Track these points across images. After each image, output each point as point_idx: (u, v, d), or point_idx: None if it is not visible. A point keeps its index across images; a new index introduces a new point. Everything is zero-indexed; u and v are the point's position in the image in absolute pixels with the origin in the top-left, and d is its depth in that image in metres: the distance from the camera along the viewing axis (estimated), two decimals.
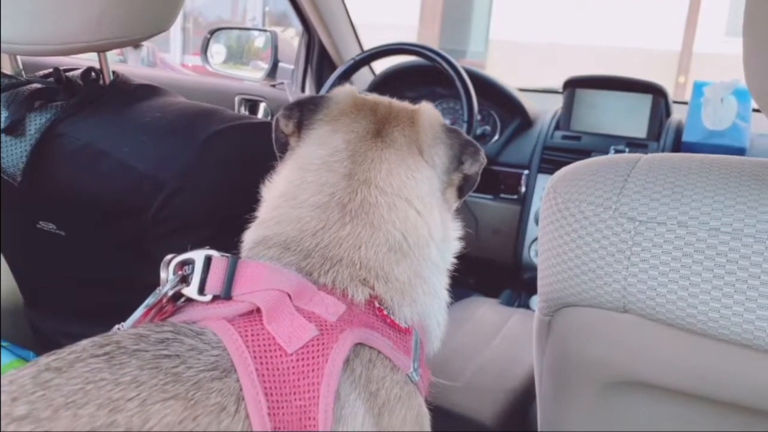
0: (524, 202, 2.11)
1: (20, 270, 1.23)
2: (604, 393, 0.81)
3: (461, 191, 0.86)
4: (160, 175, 0.92)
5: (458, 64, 1.86)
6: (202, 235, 0.96)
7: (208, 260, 0.63)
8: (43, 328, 1.25)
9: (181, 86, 2.36)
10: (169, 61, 4.71)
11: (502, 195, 2.17)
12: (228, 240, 0.77)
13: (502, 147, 2.18)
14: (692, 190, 0.66)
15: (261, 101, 2.31)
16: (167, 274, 0.64)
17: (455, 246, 0.84)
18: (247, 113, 2.33)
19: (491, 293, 2.13)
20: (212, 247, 0.72)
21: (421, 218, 0.76)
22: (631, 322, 0.71)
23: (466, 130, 1.82)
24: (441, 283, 0.79)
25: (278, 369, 0.56)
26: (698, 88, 1.93)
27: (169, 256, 0.64)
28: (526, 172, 2.12)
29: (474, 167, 0.85)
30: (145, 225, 0.95)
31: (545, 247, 0.79)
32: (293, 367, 0.57)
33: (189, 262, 0.64)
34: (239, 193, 0.92)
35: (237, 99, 2.29)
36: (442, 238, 0.80)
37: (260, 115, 2.33)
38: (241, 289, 0.62)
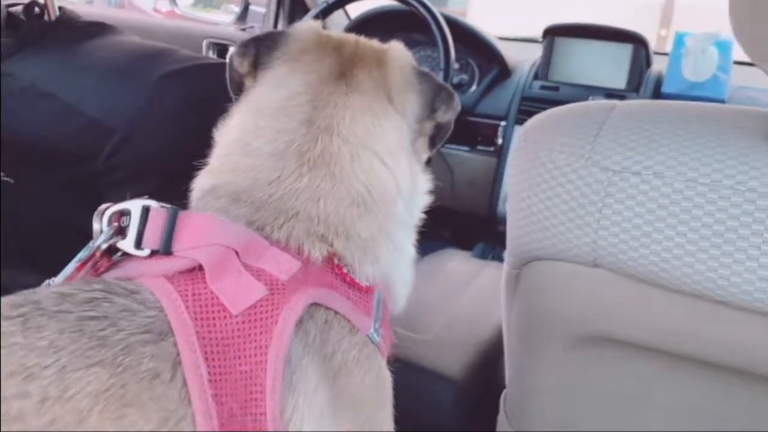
0: (500, 154, 2.07)
1: None
2: (572, 348, 0.79)
3: (433, 141, 0.80)
4: (109, 120, 0.87)
5: (435, 10, 1.79)
6: (158, 182, 0.91)
7: (146, 211, 0.57)
8: (3, 279, 1.21)
9: (148, 29, 2.26)
10: (138, 4, 4.53)
11: (479, 147, 2.13)
12: (187, 188, 0.73)
13: (480, 97, 2.12)
14: (670, 139, 0.63)
15: (230, 45, 2.22)
16: (100, 226, 0.58)
17: (424, 200, 0.79)
18: (216, 57, 2.25)
19: (466, 246, 2.11)
20: (171, 196, 0.67)
21: (388, 171, 0.70)
22: (602, 276, 0.68)
23: (443, 79, 1.76)
24: (407, 239, 0.74)
25: (222, 332, 0.52)
26: (680, 38, 1.88)
27: (103, 206, 0.58)
28: (503, 123, 2.07)
29: (448, 114, 0.78)
30: (96, 172, 0.90)
31: (515, 198, 0.75)
32: (238, 330, 0.52)
33: (126, 213, 0.58)
34: (195, 138, 0.87)
35: (205, 43, 2.20)
36: (411, 193, 0.74)
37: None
38: (183, 243, 0.56)
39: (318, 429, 0.54)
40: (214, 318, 0.52)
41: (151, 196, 0.66)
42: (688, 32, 1.88)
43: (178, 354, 0.49)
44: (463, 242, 2.15)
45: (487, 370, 1.18)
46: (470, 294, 1.40)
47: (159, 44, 0.98)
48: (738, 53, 1.85)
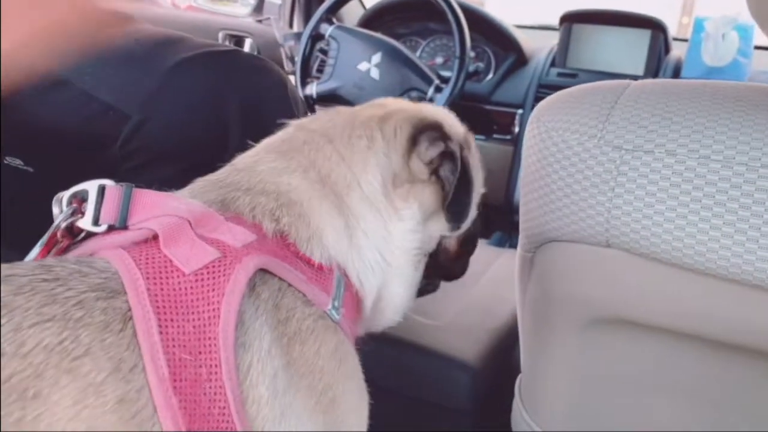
0: (517, 142, 2.06)
1: None
2: (586, 330, 0.79)
3: None
4: (124, 106, 0.88)
5: None
6: (173, 168, 0.91)
7: (101, 189, 0.59)
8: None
9: (164, 21, 2.28)
10: None
11: (495, 135, 2.12)
12: (202, 173, 0.73)
13: (496, 85, 2.11)
14: (683, 117, 0.62)
15: (246, 37, 2.23)
16: (59, 209, 0.59)
17: None
18: None
19: (482, 235, 2.10)
20: (187, 181, 0.69)
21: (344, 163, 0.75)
22: (615, 257, 0.67)
23: (458, 67, 1.76)
24: (369, 238, 0.74)
25: (173, 289, 0.53)
26: (699, 23, 1.86)
27: (60, 193, 0.60)
28: (520, 111, 2.06)
29: None
30: (113, 159, 0.91)
31: (527, 180, 0.75)
32: (190, 287, 0.54)
33: (83, 194, 0.59)
34: (208, 124, 0.88)
35: (221, 34, 2.21)
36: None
37: (246, 51, 2.25)
38: (138, 217, 0.59)
39: (273, 390, 0.55)
40: (166, 277, 0.53)
41: (167, 181, 0.67)
42: (707, 17, 1.85)
43: (129, 309, 0.51)
44: (480, 231, 2.14)
45: (503, 355, 1.18)
46: (486, 281, 1.40)
47: (173, 32, 0.98)
48: (759, 37, 1.82)
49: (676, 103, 0.64)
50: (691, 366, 0.76)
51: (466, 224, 0.83)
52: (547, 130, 0.70)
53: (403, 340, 1.17)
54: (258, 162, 0.70)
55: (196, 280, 0.54)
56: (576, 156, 0.66)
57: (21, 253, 1.24)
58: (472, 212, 0.83)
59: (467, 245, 0.89)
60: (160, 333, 0.50)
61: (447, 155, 0.75)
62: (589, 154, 0.65)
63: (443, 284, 0.98)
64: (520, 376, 0.98)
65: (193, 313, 0.53)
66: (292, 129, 0.75)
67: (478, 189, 0.86)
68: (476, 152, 0.85)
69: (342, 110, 0.79)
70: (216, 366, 0.51)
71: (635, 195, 0.62)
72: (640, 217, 0.62)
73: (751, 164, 0.57)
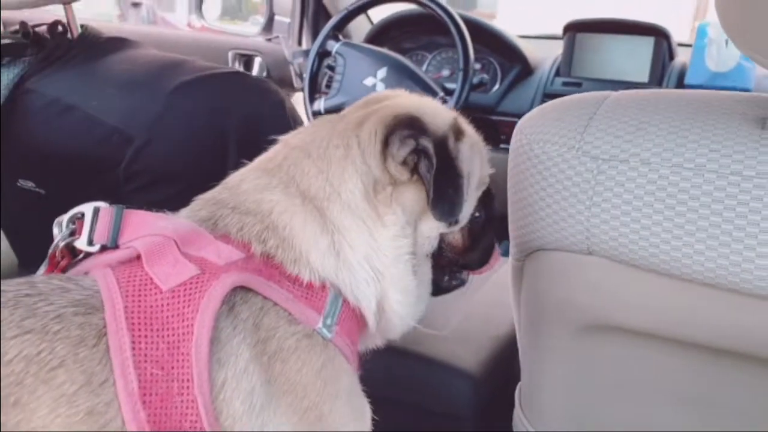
0: None
1: (9, 230, 1.23)
2: (577, 337, 0.80)
3: None
4: (128, 128, 0.91)
5: (453, 11, 1.81)
6: (175, 188, 0.94)
7: (96, 211, 0.62)
8: None
9: (175, 42, 2.34)
10: (170, 21, 4.67)
11: (502, 145, 2.13)
12: (202, 192, 0.76)
13: (502, 96, 2.13)
14: (657, 127, 0.64)
15: (256, 56, 2.28)
16: (59, 230, 0.63)
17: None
18: (241, 68, 2.30)
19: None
20: (189, 200, 0.71)
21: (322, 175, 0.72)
22: (597, 264, 0.69)
23: (462, 79, 1.78)
24: (361, 258, 0.71)
25: (150, 306, 0.56)
26: (702, 29, 1.86)
27: (60, 217, 0.64)
28: None
29: None
30: (118, 180, 0.95)
31: (513, 190, 0.77)
32: (166, 304, 0.56)
33: (81, 216, 0.63)
34: (210, 144, 0.91)
35: (231, 54, 2.26)
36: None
37: (255, 69, 2.29)
38: (128, 237, 0.62)
39: (250, 406, 0.57)
40: (144, 294, 0.56)
41: (170, 202, 0.70)
42: (710, 22, 1.85)
43: (105, 326, 0.53)
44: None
45: (504, 364, 1.19)
46: (489, 289, 1.41)
47: (176, 56, 1.02)
48: None
49: (652, 113, 0.65)
50: (682, 370, 0.77)
51: (465, 216, 0.76)
52: (529, 141, 0.72)
53: (405, 349, 1.18)
54: (243, 180, 0.71)
55: (172, 297, 0.57)
56: (556, 167, 0.68)
57: (34, 272, 1.28)
58: (470, 202, 0.76)
59: (477, 235, 0.81)
60: (132, 349, 0.53)
61: (421, 152, 0.70)
62: (568, 165, 0.67)
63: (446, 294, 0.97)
64: (519, 383, 0.99)
65: (167, 329, 0.55)
66: (279, 146, 0.75)
67: (479, 175, 0.78)
68: (471, 137, 0.78)
69: (327, 120, 0.78)
70: (188, 381, 0.54)
71: (612, 203, 0.64)
72: (618, 225, 0.64)
73: (721, 171, 0.58)
